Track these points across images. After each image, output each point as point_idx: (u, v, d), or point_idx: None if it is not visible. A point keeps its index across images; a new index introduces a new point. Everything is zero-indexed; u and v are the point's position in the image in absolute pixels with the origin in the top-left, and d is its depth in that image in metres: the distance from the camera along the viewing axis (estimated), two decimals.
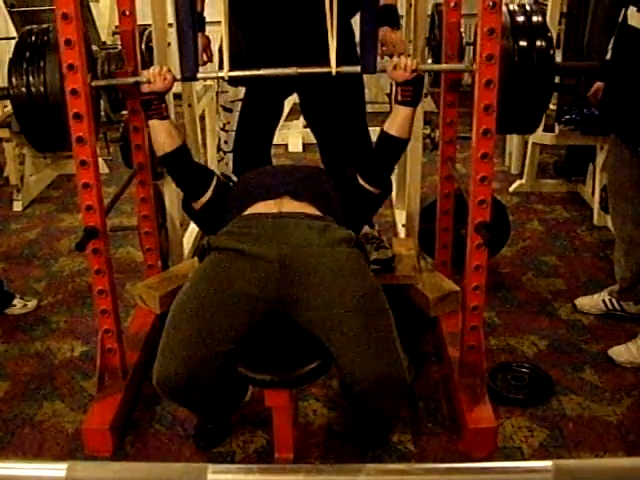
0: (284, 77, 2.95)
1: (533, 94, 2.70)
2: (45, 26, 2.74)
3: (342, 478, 0.87)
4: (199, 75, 2.66)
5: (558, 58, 4.92)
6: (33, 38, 2.68)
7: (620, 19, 2.96)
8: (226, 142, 3.32)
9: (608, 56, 3.11)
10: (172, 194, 3.55)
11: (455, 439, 2.70)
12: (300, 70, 2.60)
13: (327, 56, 2.55)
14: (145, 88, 2.62)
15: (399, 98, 2.63)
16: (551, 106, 5.01)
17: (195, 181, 2.75)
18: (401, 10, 3.60)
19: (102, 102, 5.48)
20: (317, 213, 2.54)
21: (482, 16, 2.30)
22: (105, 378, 2.82)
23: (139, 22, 3.05)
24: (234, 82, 3.20)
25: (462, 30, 3.28)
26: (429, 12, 4.91)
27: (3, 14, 5.68)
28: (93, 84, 2.56)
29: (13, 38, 5.85)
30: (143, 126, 3.11)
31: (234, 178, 3.06)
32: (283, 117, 5.84)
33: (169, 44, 3.38)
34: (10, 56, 2.67)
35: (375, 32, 2.60)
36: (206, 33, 3.41)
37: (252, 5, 2.98)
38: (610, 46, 3.09)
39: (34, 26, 2.76)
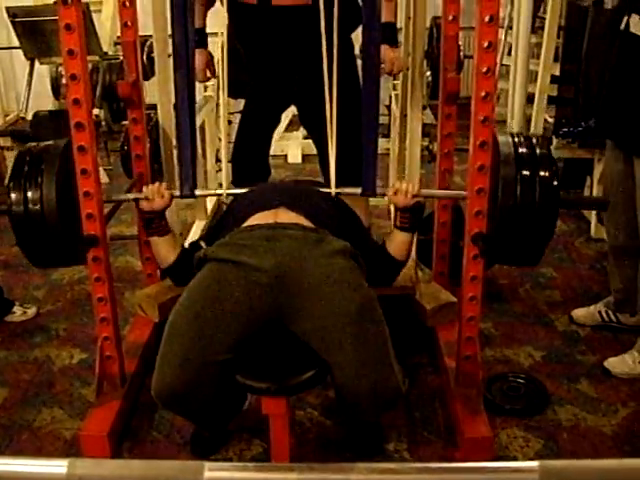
0: (282, 90, 2.98)
1: (536, 227, 2.55)
2: (43, 145, 2.74)
3: (334, 476, 0.89)
4: (197, 192, 2.78)
5: (556, 71, 4.97)
6: (30, 157, 2.67)
7: (622, 27, 2.98)
8: None
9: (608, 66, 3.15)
10: (171, 205, 3.56)
11: (451, 448, 2.72)
12: (301, 185, 2.70)
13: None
14: (145, 207, 2.72)
15: (397, 224, 2.70)
16: (549, 119, 5.05)
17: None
18: (400, 23, 3.63)
19: (102, 112, 5.53)
20: (312, 225, 2.55)
21: (479, 30, 2.32)
22: (104, 385, 2.83)
23: (140, 33, 3.08)
24: (234, 94, 3.22)
25: (460, 43, 3.30)
26: (428, 25, 4.94)
27: (5, 24, 5.71)
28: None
29: (15, 47, 5.89)
30: (144, 136, 3.14)
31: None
32: (282, 128, 5.88)
33: (169, 55, 3.40)
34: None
35: (375, 154, 2.71)
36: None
37: (252, 23, 3.01)
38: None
39: (32, 144, 2.77)
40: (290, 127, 6.14)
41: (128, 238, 4.26)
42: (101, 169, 4.63)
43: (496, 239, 2.48)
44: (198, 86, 4.60)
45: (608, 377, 3.12)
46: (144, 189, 2.73)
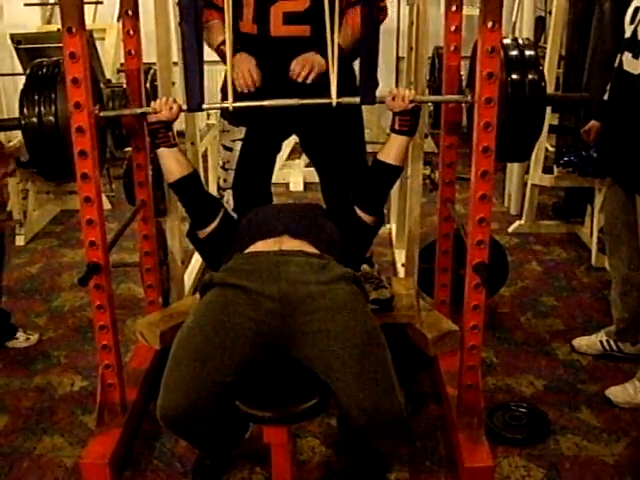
0: (283, 119, 2.99)
1: (526, 123, 2.68)
2: (55, 59, 2.78)
3: None
4: (204, 106, 2.72)
5: None
6: (44, 70, 2.72)
7: (616, 64, 3.02)
8: (225, 180, 3.36)
9: (605, 97, 3.17)
10: (174, 231, 3.58)
11: (453, 478, 2.71)
12: (302, 101, 2.66)
13: (328, 96, 2.62)
14: (152, 117, 2.71)
15: (396, 127, 2.71)
16: (550, 148, 5.07)
17: (203, 209, 2.81)
18: (402, 52, 3.65)
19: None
20: (315, 251, 2.58)
21: (481, 60, 2.34)
22: (105, 413, 2.82)
23: (144, 60, 3.10)
24: (236, 123, 3.24)
25: (462, 73, 3.31)
26: (429, 55, 4.97)
27: (10, 51, 5.74)
28: (101, 114, 2.62)
29: (19, 74, 5.93)
30: (146, 163, 3.15)
31: (234, 216, 3.09)
32: (284, 156, 5.90)
33: (173, 83, 3.43)
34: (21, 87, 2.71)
35: (374, 65, 2.65)
36: (209, 70, 3.43)
37: (252, 52, 3.02)
38: (607, 93, 3.14)
39: (45, 59, 2.80)
40: (292, 155, 6.17)
41: (130, 265, 4.26)
42: (103, 196, 4.65)
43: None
44: (201, 114, 4.63)
45: (610, 406, 3.11)
46: (152, 103, 2.73)
